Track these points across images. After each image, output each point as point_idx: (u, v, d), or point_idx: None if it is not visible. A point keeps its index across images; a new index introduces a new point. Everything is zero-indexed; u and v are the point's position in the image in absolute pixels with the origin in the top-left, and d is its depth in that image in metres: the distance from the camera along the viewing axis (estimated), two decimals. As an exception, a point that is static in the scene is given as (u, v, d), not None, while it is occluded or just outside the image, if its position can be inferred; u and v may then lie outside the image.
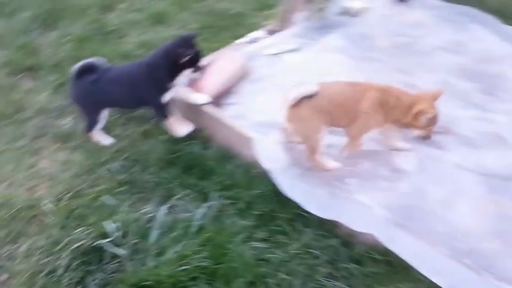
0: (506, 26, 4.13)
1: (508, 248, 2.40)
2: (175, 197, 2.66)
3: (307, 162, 2.78)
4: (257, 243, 2.49)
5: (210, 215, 2.57)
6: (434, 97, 2.78)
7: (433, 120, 2.78)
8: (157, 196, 2.68)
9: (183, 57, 2.81)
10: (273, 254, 2.46)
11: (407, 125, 2.80)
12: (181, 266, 2.26)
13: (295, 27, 3.72)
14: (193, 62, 2.88)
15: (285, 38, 3.60)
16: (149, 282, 2.20)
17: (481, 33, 3.88)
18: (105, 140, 2.99)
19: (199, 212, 2.54)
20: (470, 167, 2.75)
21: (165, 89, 2.88)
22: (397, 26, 3.87)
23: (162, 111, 2.94)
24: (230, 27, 4.41)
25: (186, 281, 2.23)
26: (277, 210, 2.64)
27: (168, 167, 2.85)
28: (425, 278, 2.34)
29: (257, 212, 2.62)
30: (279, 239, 2.54)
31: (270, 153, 2.76)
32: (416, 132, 2.85)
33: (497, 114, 3.11)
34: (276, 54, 3.46)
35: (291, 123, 2.75)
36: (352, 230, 2.52)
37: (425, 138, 2.87)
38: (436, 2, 4.32)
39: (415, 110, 2.72)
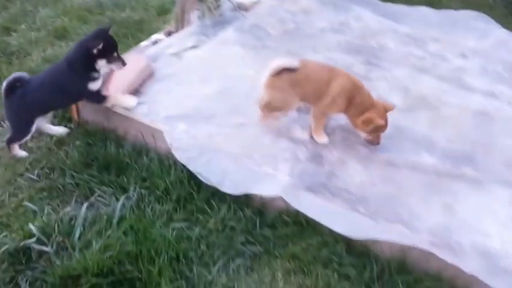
0: (385, 3, 4.59)
1: (396, 193, 2.77)
2: (95, 194, 2.83)
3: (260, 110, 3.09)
4: (177, 223, 2.71)
5: (130, 205, 2.76)
6: (387, 109, 3.00)
7: (379, 129, 2.99)
8: (78, 196, 2.82)
9: (94, 47, 2.95)
10: (192, 231, 2.70)
11: (356, 126, 3.04)
12: (106, 253, 2.45)
13: (192, 26, 3.96)
14: (106, 52, 3.00)
15: (183, 37, 3.83)
16: (77, 272, 2.36)
17: (362, 13, 4.30)
18: (21, 153, 3.09)
19: (119, 204, 2.73)
20: (357, 130, 3.12)
21: (88, 78, 3.02)
22: (286, 14, 4.21)
23: (96, 97, 3.11)
24: (132, 34, 4.58)
25: (111, 265, 2.41)
26: (193, 193, 2.87)
27: (85, 169, 2.99)
28: (330, 229, 2.67)
29: (175, 197, 2.84)
30: (198, 218, 2.78)
31: (180, 143, 2.98)
32: (364, 135, 3.06)
33: (378, 80, 3.51)
34: (176, 53, 3.68)
35: (269, 89, 3.03)
36: (263, 200, 2.81)
37: (372, 143, 3.06)
38: (320, -10, 4.72)
39: (365, 116, 2.95)
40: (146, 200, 2.82)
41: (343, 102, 2.99)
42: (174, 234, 2.65)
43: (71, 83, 3.02)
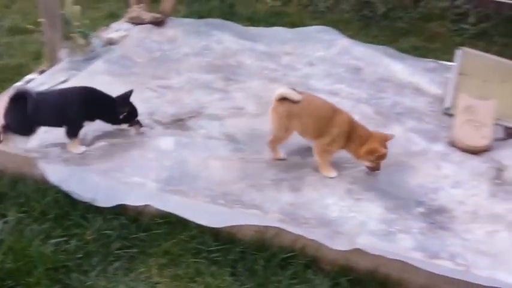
0: (245, 27, 5.09)
1: (250, 185, 3.15)
2: (-27, 225, 2.99)
3: (267, 144, 3.33)
4: (54, 240, 2.92)
5: (8, 229, 2.94)
6: (386, 138, 3.18)
7: (382, 157, 3.15)
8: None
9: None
10: (70, 244, 2.93)
11: (359, 157, 3.20)
12: (-16, 273, 2.62)
13: (62, 63, 4.22)
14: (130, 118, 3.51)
15: (55, 74, 4.07)
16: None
17: (223, 37, 4.75)
18: None
19: (-2, 229, 2.91)
20: (217, 136, 3.50)
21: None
22: (152, 44, 4.58)
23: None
24: (11, 79, 4.74)
25: (-7, 282, 2.60)
26: (70, 210, 3.09)
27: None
28: (198, 224, 3.00)
29: (52, 216, 3.05)
30: (75, 232, 3.01)
31: (54, 167, 3.21)
32: (366, 163, 3.22)
33: (235, 92, 3.95)
34: (48, 88, 3.91)
35: (271, 113, 3.25)
36: (137, 207, 3.10)
37: (374, 169, 3.23)
38: (186, 20, 5.14)
39: (368, 147, 3.12)
40: (24, 223, 3.01)
41: (343, 141, 3.19)
42: (51, 249, 2.86)
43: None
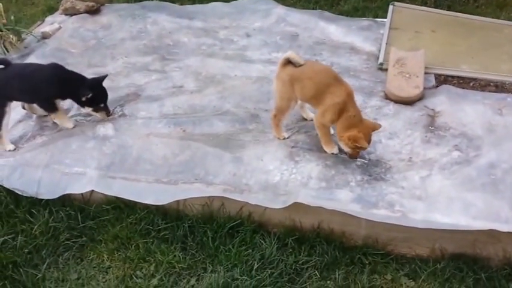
0: (181, 6, 5.06)
1: (192, 160, 3.18)
2: None
3: (270, 120, 3.26)
4: (1, 238, 2.93)
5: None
6: (374, 128, 3.05)
7: (361, 149, 3.03)
8: None
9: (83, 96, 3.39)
10: (17, 240, 2.93)
11: (341, 139, 3.05)
12: None
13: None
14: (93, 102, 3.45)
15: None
16: None
17: (158, 18, 4.71)
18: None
19: None
20: (157, 116, 3.51)
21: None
22: (87, 33, 4.51)
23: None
24: None
25: None
26: (14, 207, 3.09)
27: None
28: (146, 205, 3.03)
29: (-6, 216, 3.06)
30: (22, 228, 3.01)
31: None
32: (345, 148, 3.07)
33: (172, 71, 3.94)
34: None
35: (275, 80, 3.20)
36: (84, 197, 3.11)
37: (351, 156, 3.09)
38: (121, 5, 5.09)
39: (352, 134, 2.96)
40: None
41: (335, 114, 3.02)
42: (-2, 248, 2.88)
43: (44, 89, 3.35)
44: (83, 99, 3.38)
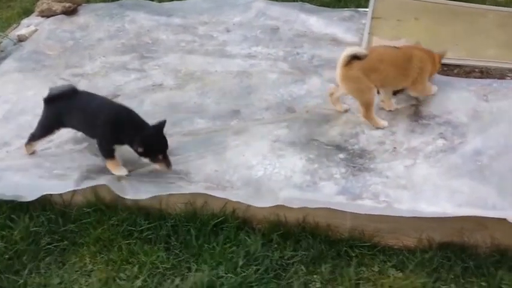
0: (159, 4, 4.99)
1: (174, 157, 3.10)
2: None
3: (363, 119, 3.20)
4: (-20, 244, 2.87)
5: None
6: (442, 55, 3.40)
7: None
8: None
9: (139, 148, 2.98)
10: (-1, 246, 2.87)
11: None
12: None
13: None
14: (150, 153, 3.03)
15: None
16: None
17: (136, 16, 4.64)
18: None
19: None
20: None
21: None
22: (64, 34, 4.44)
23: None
24: None
25: None
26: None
27: None
28: (129, 207, 2.97)
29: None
30: (1, 234, 2.93)
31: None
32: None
33: (151, 70, 3.90)
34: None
35: (343, 82, 3.10)
36: (64, 201, 3.05)
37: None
38: (98, 5, 5.00)
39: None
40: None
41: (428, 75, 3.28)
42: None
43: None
44: (139, 150, 3.00)
